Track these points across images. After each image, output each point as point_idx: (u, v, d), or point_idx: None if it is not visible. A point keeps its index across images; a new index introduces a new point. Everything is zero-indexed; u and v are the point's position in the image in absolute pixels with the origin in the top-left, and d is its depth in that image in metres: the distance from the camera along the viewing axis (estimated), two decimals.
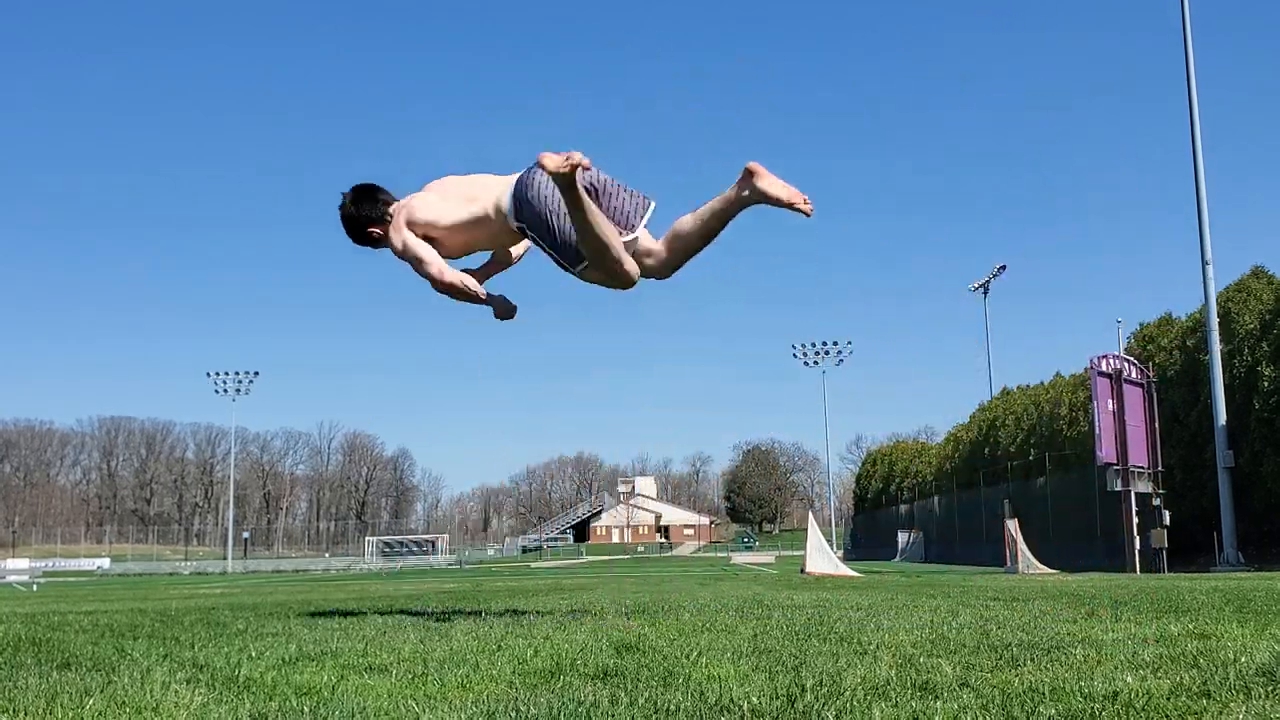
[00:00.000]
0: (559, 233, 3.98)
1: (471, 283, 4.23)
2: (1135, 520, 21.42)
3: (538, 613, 5.19)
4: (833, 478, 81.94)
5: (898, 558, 45.36)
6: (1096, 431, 21.60)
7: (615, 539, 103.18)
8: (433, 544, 76.29)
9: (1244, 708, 1.89)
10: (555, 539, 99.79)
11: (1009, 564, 24.29)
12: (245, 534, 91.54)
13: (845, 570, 20.31)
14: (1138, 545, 21.15)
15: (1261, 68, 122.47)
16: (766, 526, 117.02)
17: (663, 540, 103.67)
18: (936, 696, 2.04)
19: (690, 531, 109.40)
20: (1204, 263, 23.58)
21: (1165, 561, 21.31)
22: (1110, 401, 21.73)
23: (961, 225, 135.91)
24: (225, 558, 71.51)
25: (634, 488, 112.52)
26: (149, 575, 55.85)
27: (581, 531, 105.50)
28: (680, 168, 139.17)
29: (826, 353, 58.00)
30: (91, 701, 2.09)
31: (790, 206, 4.24)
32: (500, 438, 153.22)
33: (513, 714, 1.93)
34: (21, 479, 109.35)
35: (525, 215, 4.03)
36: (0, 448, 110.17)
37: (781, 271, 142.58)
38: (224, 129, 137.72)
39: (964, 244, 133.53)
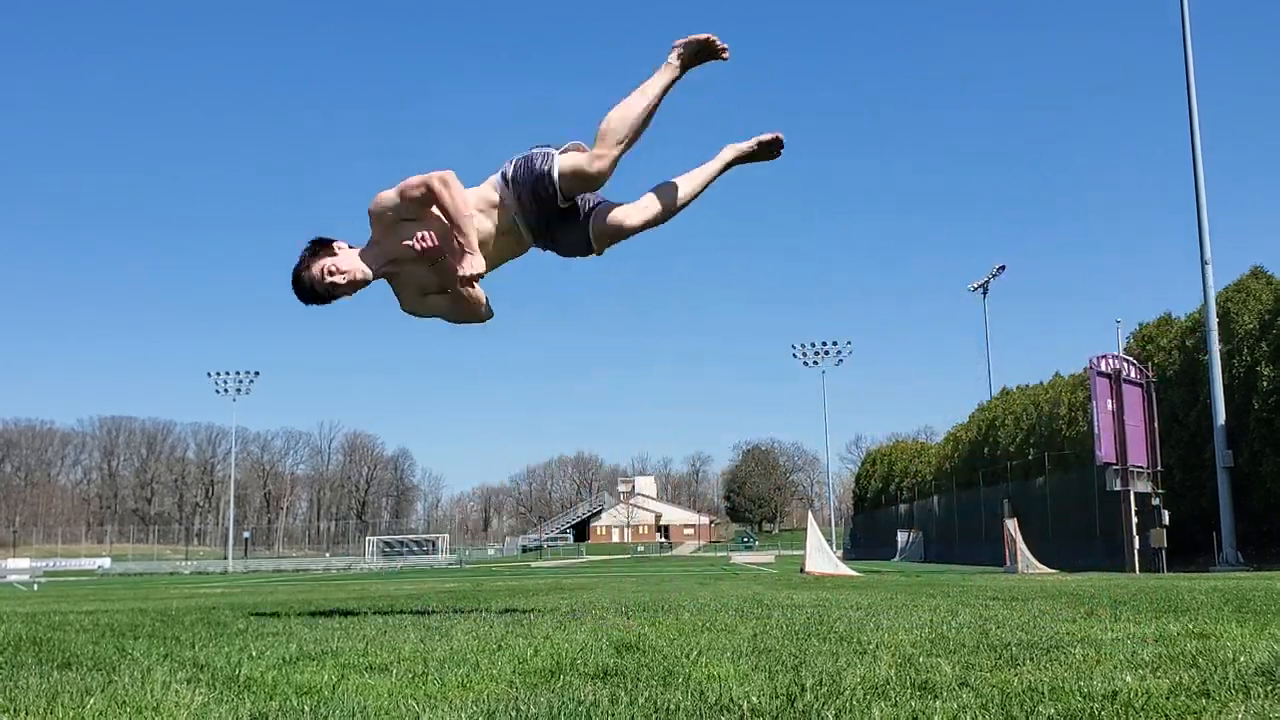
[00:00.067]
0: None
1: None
2: (1134, 520, 21.42)
3: (538, 612, 5.20)
4: (832, 477, 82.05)
5: (897, 557, 45.36)
6: (1096, 431, 21.60)
7: (615, 539, 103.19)
8: (433, 544, 76.28)
9: (1243, 707, 1.89)
10: (555, 539, 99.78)
11: (1008, 564, 24.29)
12: (246, 534, 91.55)
13: (845, 570, 20.31)
14: (1137, 545, 21.15)
15: (1261, 68, 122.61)
16: (766, 526, 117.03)
17: (663, 540, 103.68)
18: (936, 696, 2.04)
19: (690, 531, 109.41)
20: (1203, 263, 23.58)
21: (1164, 561, 21.31)
22: (1109, 401, 21.73)
23: (961, 225, 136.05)
24: (226, 557, 71.51)
25: (634, 487, 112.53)
26: (150, 575, 55.84)
27: (581, 531, 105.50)
28: (679, 168, 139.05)
29: (826, 353, 58.02)
30: (92, 701, 2.10)
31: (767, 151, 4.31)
32: (500, 438, 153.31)
33: (513, 713, 1.93)
34: (22, 479, 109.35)
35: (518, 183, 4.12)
36: (1, 447, 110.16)
37: (781, 271, 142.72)
38: (224, 129, 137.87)
39: (964, 244, 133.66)
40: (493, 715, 1.92)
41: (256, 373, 64.29)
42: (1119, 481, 21.55)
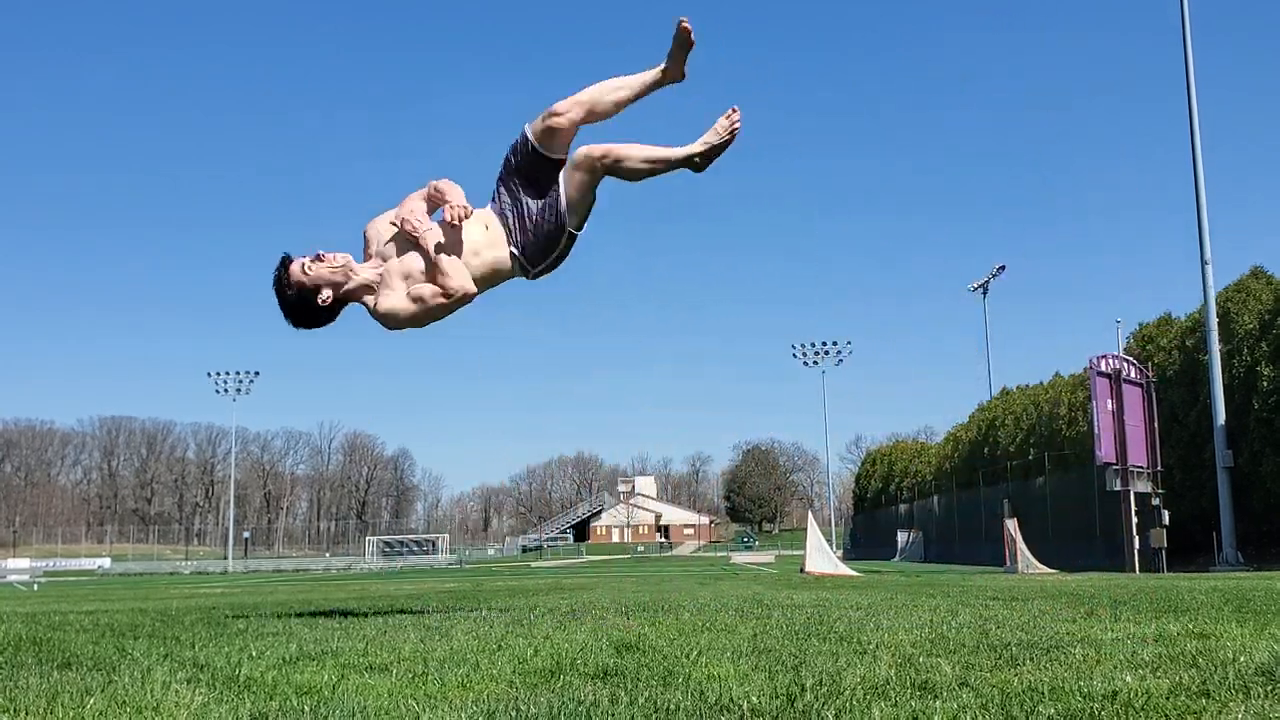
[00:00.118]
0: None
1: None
2: (1134, 520, 21.42)
3: (538, 612, 5.20)
4: (832, 477, 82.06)
5: (897, 557, 45.36)
6: (1096, 431, 21.60)
7: (615, 539, 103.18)
8: (433, 544, 76.29)
9: (1243, 707, 1.89)
10: (555, 539, 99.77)
11: (1008, 564, 24.29)
12: (246, 534, 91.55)
13: (845, 570, 20.31)
14: (1137, 545, 21.15)
15: (1261, 68, 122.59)
16: (766, 526, 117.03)
17: (663, 540, 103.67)
18: (936, 696, 2.04)
19: (690, 531, 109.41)
20: (1203, 263, 23.58)
21: (1164, 561, 21.32)
22: (1109, 401, 21.73)
23: (961, 225, 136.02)
24: (226, 557, 71.51)
25: (634, 487, 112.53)
26: (149, 575, 55.85)
27: (581, 531, 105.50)
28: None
29: (826, 353, 58.02)
30: (92, 701, 2.10)
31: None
32: (500, 438, 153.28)
33: (513, 714, 1.93)
34: (22, 479, 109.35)
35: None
36: (1, 448, 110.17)
37: (781, 271, 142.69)
38: (224, 129, 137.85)
39: (964, 244, 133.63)
40: (493, 715, 1.92)
41: (256, 373, 64.33)
42: (1119, 481, 21.55)
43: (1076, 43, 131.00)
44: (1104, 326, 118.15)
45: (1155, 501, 22.41)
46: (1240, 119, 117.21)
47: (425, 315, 4.03)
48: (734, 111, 4.24)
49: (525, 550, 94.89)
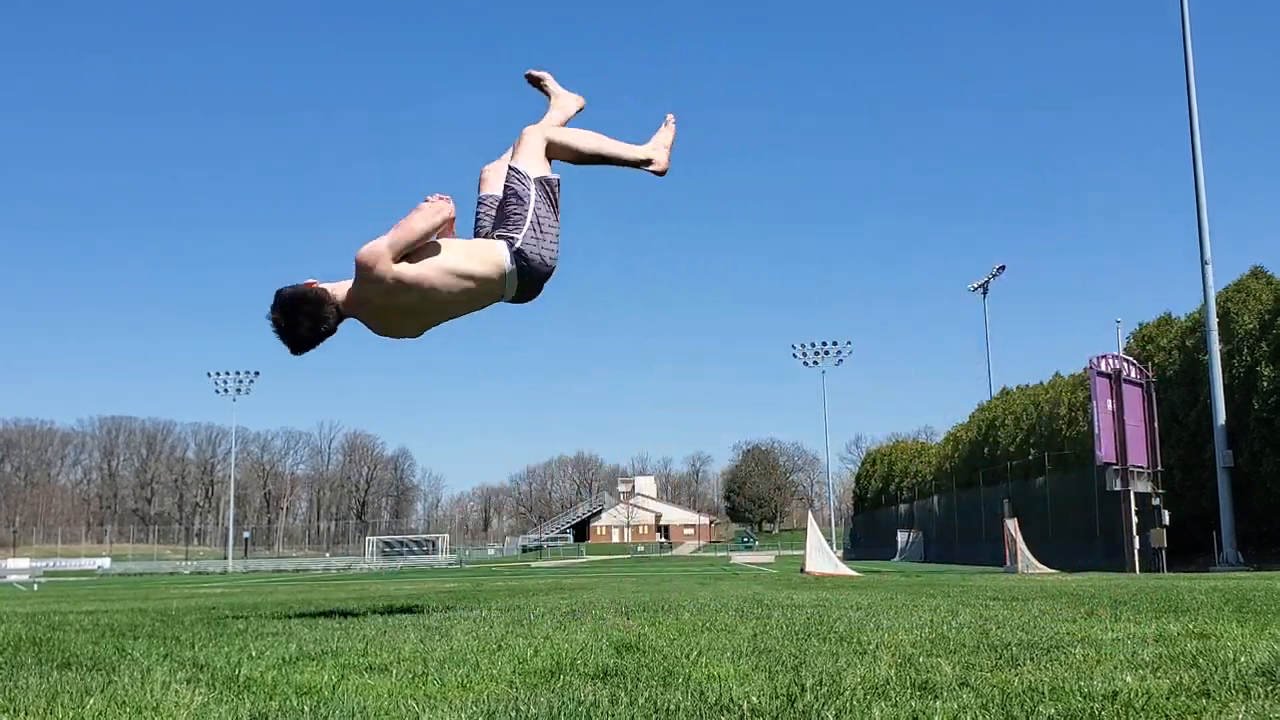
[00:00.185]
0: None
1: None
2: (1134, 520, 21.42)
3: (538, 612, 5.19)
4: (832, 477, 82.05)
5: (897, 557, 45.36)
6: (1096, 431, 21.60)
7: (615, 539, 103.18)
8: (433, 544, 76.28)
9: (1243, 707, 1.89)
10: (555, 539, 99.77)
11: (1008, 564, 24.29)
12: (246, 534, 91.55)
13: (845, 570, 20.31)
14: (1137, 545, 21.15)
15: (1261, 68, 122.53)
16: (766, 526, 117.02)
17: (663, 540, 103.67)
18: (936, 696, 2.04)
19: (690, 531, 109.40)
20: (1203, 263, 23.58)
21: (1164, 561, 21.31)
22: (1109, 401, 21.73)
23: (961, 225, 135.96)
24: (226, 557, 71.51)
25: (634, 487, 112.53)
26: (149, 575, 55.85)
27: (581, 531, 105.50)
28: (679, 168, 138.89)
29: (826, 353, 58.01)
30: (92, 701, 2.10)
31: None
32: (500, 438, 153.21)
33: (513, 714, 1.93)
34: (22, 479, 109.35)
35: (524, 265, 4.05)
36: (1, 448, 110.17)
37: (781, 271, 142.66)
38: (224, 129, 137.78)
39: (964, 244, 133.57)
40: (492, 715, 1.92)
41: (256, 373, 64.29)
42: (1119, 481, 21.56)
43: (1076, 43, 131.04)
44: (1104, 326, 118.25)
45: (1155, 501, 22.42)
46: (1240, 119, 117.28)
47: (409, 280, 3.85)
48: (670, 119, 4.45)
49: (525, 550, 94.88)
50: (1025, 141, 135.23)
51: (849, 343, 58.43)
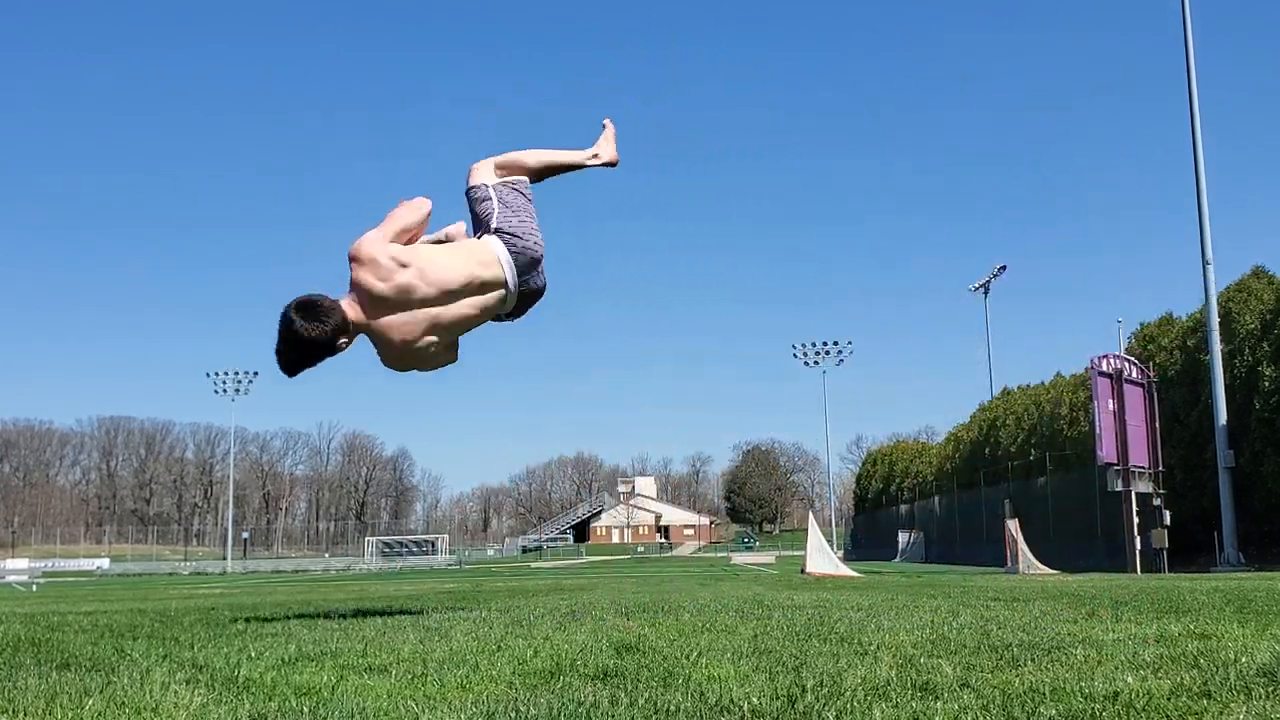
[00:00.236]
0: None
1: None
2: (1136, 520, 21.42)
3: (537, 612, 5.19)
4: (833, 478, 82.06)
5: (898, 558, 45.35)
6: (1097, 431, 21.60)
7: (615, 539, 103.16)
8: (432, 544, 76.29)
9: (1244, 708, 1.88)
10: (555, 539, 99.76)
11: (1009, 564, 24.29)
12: (245, 534, 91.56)
13: (845, 570, 20.29)
14: (1138, 545, 21.15)
15: (1261, 68, 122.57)
16: (767, 527, 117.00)
17: (663, 540, 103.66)
18: (937, 697, 2.04)
19: (690, 531, 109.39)
20: (1204, 262, 23.58)
21: (1166, 561, 21.31)
22: (1111, 401, 21.73)
23: (961, 225, 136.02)
24: (225, 558, 71.52)
25: (634, 488, 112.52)
26: (148, 575, 55.86)
27: (581, 531, 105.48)
28: (679, 168, 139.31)
29: (826, 353, 58.01)
30: (91, 702, 2.09)
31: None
32: (500, 438, 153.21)
33: (512, 714, 1.93)
34: (21, 479, 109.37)
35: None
36: (0, 448, 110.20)
37: (781, 271, 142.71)
38: (224, 129, 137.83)
39: (964, 244, 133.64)
40: (492, 716, 1.92)
41: (255, 373, 64.25)
42: (1120, 482, 21.55)
43: (1076, 43, 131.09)
44: (1105, 326, 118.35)
45: (1156, 502, 22.41)
46: (1241, 119, 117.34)
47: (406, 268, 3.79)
48: (607, 122, 4.56)
49: (525, 551, 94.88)
50: (1025, 141, 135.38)
51: (849, 343, 58.48)
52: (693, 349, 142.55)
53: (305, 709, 2.00)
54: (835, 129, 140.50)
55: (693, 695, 2.08)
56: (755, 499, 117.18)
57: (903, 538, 47.57)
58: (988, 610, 4.97)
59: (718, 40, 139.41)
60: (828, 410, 60.43)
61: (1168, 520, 22.12)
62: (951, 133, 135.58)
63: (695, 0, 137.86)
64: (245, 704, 2.08)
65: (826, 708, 1.93)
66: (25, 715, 1.99)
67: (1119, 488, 21.64)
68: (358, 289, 3.79)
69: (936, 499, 46.14)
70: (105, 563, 73.53)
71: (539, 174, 4.34)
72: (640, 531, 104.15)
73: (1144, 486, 22.18)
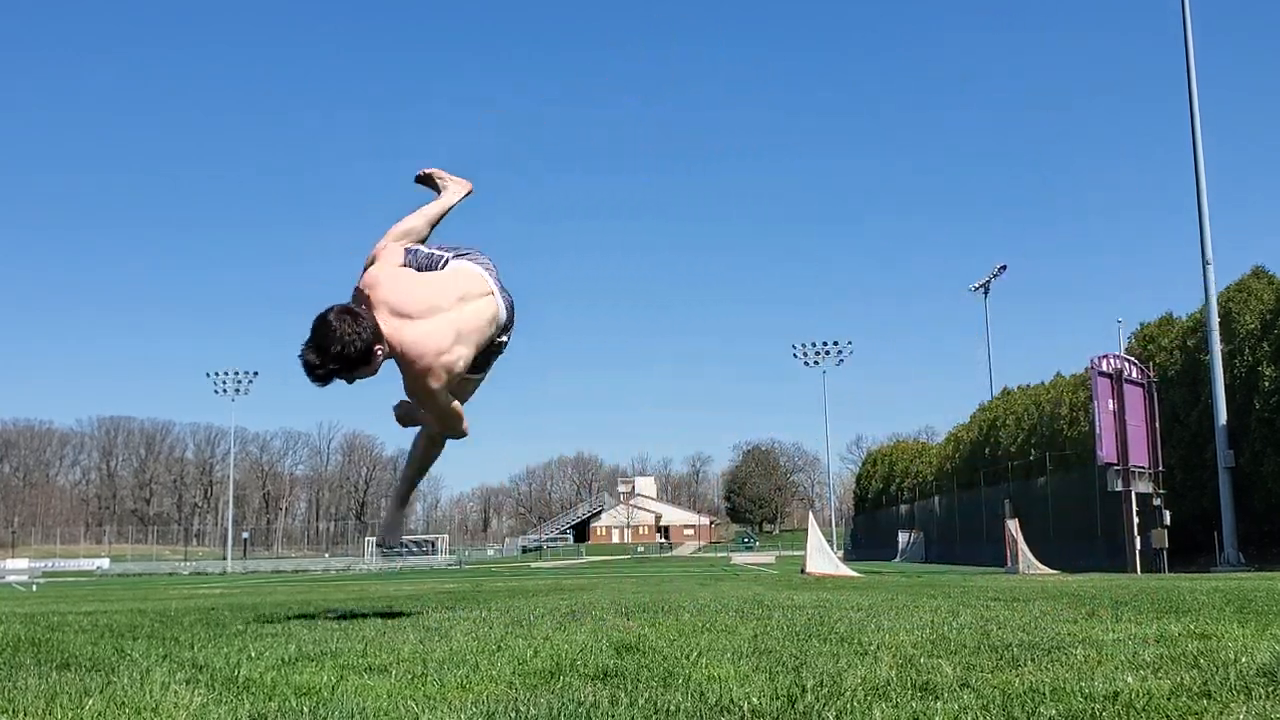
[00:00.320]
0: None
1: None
2: (1136, 520, 21.41)
3: (537, 612, 5.19)
4: (833, 478, 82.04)
5: (898, 558, 45.34)
6: (1097, 431, 21.60)
7: (615, 539, 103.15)
8: (432, 544, 76.27)
9: (1244, 708, 1.88)
10: (555, 539, 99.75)
11: (1009, 564, 24.28)
12: (245, 534, 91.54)
13: (845, 570, 20.29)
14: (1138, 545, 21.15)
15: (1261, 68, 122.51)
16: (767, 527, 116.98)
17: (663, 540, 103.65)
18: (937, 697, 2.04)
19: (690, 531, 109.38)
20: (1204, 262, 23.58)
21: (1166, 561, 21.31)
22: (1111, 401, 21.73)
23: (961, 225, 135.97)
24: (225, 558, 71.52)
25: (634, 488, 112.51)
26: (148, 575, 55.85)
27: (581, 531, 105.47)
28: (679, 168, 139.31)
29: (826, 353, 58.00)
30: (91, 702, 2.09)
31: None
32: (500, 438, 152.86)
33: (512, 714, 1.93)
34: (21, 479, 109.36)
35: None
36: (0, 448, 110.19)
37: (781, 271, 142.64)
38: (224, 129, 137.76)
39: (964, 244, 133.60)
40: (492, 716, 1.92)
41: (255, 373, 64.27)
42: (1120, 482, 21.55)
43: (1076, 43, 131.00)
44: (1105, 326, 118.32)
45: (1156, 502, 22.41)
46: (1241, 119, 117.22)
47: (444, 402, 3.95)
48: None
49: (525, 551, 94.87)
50: (1025, 141, 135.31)
51: (849, 343, 58.46)
52: (693, 349, 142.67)
53: (305, 709, 2.00)
54: (835, 129, 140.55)
55: (693, 695, 2.08)
56: (755, 499, 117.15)
57: (903, 538, 47.56)
58: (988, 610, 4.97)
59: (718, 40, 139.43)
60: (828, 410, 60.47)
61: (1168, 520, 22.12)
62: (951, 133, 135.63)
63: (695, 0, 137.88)
64: (245, 704, 2.08)
65: (826, 708, 1.93)
66: (25, 715, 1.99)
67: (1119, 488, 21.64)
68: (376, 298, 3.79)
69: (936, 499, 46.14)
70: (105, 563, 73.51)
71: (429, 230, 4.45)
72: (640, 531, 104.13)
73: (1144, 486, 22.18)
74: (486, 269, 4.13)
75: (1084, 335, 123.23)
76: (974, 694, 2.06)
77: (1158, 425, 23.12)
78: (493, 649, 3.08)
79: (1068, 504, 30.47)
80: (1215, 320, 23.18)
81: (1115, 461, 21.52)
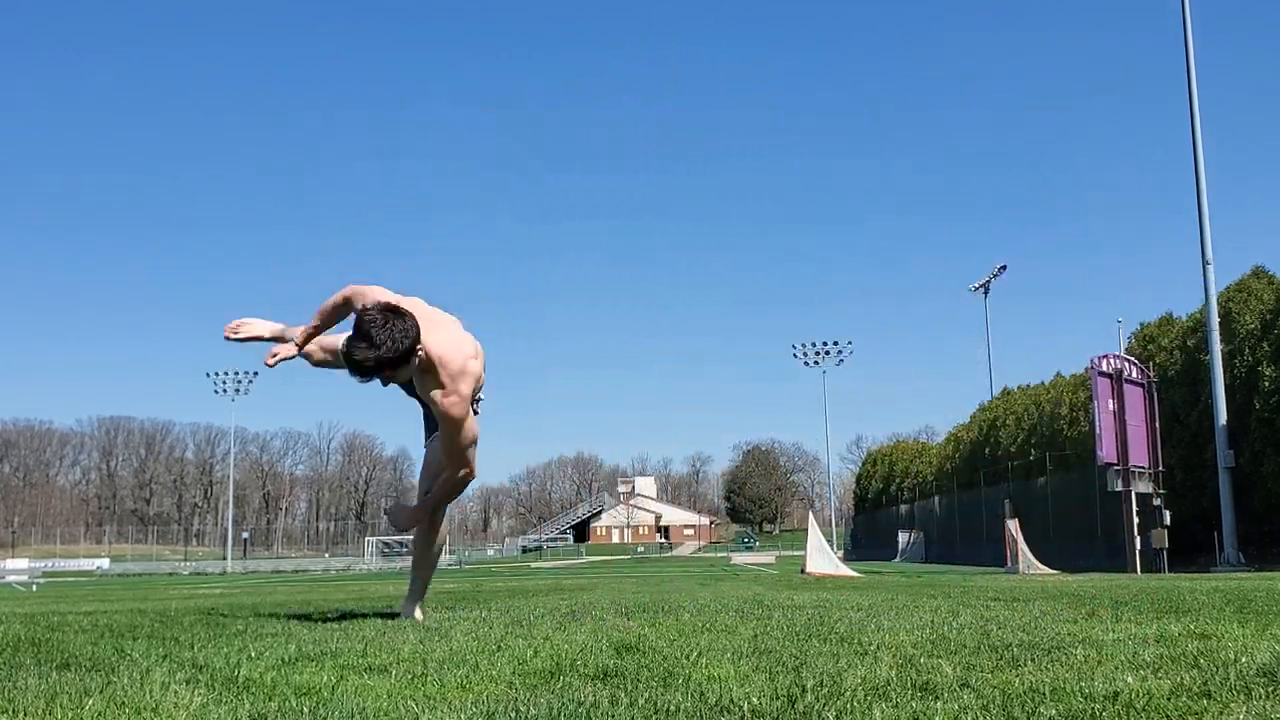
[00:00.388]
0: None
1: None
2: (1136, 520, 21.42)
3: (537, 612, 5.19)
4: (833, 478, 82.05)
5: (898, 558, 45.34)
6: (1097, 431, 21.60)
7: (615, 539, 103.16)
8: None
9: (1244, 708, 1.88)
10: (555, 539, 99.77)
11: (1009, 564, 24.28)
12: (245, 534, 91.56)
13: (845, 570, 20.29)
14: (1138, 545, 21.15)
15: (1261, 68, 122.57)
16: (767, 527, 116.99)
17: (663, 540, 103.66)
18: (937, 697, 2.04)
19: (690, 532, 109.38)
20: (1204, 262, 23.58)
21: (1166, 561, 21.31)
22: (1111, 401, 21.73)
23: (961, 225, 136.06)
24: (225, 558, 71.52)
25: (634, 488, 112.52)
26: (148, 575, 55.86)
27: (581, 531, 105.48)
28: (679, 168, 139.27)
29: (826, 353, 58.01)
30: (91, 702, 2.09)
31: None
32: (499, 438, 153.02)
33: (512, 714, 1.92)
34: (21, 479, 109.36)
35: None
36: (0, 448, 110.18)
37: (781, 271, 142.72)
38: (224, 129, 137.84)
39: (964, 244, 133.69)
40: (492, 716, 1.92)
41: (255, 373, 64.21)
42: (1120, 482, 21.55)
43: (1076, 43, 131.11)
44: (1105, 326, 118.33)
45: (1156, 502, 22.41)
46: (1241, 119, 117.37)
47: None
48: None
49: (525, 551, 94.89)
50: (1025, 141, 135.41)
51: (849, 343, 58.47)
52: (693, 349, 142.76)
53: (305, 709, 2.00)
54: (835, 129, 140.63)
55: (693, 695, 2.08)
56: (755, 499, 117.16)
57: (903, 538, 47.57)
58: (988, 610, 4.97)
59: (718, 40, 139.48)
60: (828, 410, 60.50)
61: (1168, 520, 22.13)
62: (951, 133, 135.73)
63: (695, 0, 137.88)
64: (245, 704, 2.08)
65: (826, 708, 1.93)
66: (25, 715, 1.99)
67: (1119, 488, 21.64)
68: (405, 306, 4.01)
69: (936, 499, 46.14)
70: (105, 563, 73.52)
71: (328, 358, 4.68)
72: (640, 531, 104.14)
73: (1144, 486, 22.18)
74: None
75: (1084, 335, 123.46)
76: (974, 694, 2.06)
77: (1158, 425, 23.12)
78: (493, 649, 3.08)
79: (1068, 504, 30.47)
80: (1215, 320, 23.18)
81: (1115, 461, 21.52)
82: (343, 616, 5.16)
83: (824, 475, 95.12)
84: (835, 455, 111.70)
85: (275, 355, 4.62)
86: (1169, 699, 1.97)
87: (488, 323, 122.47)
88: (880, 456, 62.36)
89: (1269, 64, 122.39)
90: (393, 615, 5.17)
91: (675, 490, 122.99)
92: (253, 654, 3.03)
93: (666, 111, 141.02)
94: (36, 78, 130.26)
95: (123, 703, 2.09)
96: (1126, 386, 22.18)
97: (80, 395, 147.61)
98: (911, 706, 1.93)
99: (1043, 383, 37.76)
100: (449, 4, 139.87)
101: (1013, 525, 24.94)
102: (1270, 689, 2.06)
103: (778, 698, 2.03)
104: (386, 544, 76.46)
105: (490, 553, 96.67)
